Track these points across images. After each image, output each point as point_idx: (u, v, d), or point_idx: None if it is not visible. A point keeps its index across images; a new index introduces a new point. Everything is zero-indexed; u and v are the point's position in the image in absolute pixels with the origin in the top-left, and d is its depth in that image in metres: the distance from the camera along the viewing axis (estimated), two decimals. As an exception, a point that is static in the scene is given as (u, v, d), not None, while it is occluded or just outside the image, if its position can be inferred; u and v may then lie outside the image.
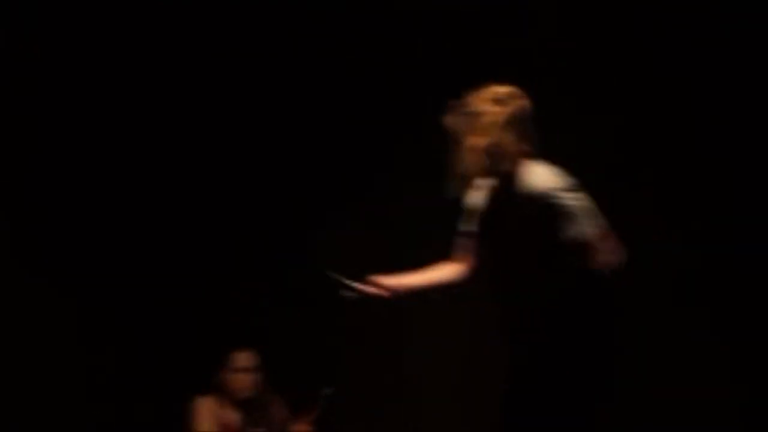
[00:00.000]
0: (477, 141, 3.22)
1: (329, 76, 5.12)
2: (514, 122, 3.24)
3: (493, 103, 3.24)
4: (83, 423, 4.86)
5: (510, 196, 3.25)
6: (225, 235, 5.20)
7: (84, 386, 4.90)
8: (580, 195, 3.18)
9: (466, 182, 3.29)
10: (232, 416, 4.84)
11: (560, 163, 3.34)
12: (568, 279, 3.21)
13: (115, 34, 5.01)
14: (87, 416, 4.88)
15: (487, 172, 3.25)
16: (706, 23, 4.74)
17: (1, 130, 4.89)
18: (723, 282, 4.72)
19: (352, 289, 3.49)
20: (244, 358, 4.86)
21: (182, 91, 5.12)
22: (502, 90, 3.26)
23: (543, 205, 3.17)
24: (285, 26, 5.13)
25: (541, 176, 3.22)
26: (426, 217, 4.63)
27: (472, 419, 4.55)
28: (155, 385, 4.99)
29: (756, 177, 4.74)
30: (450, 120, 3.28)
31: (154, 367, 5.03)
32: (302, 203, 5.16)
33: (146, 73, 5.09)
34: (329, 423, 4.81)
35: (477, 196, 3.33)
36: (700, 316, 4.72)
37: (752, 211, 4.72)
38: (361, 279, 3.43)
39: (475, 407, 4.47)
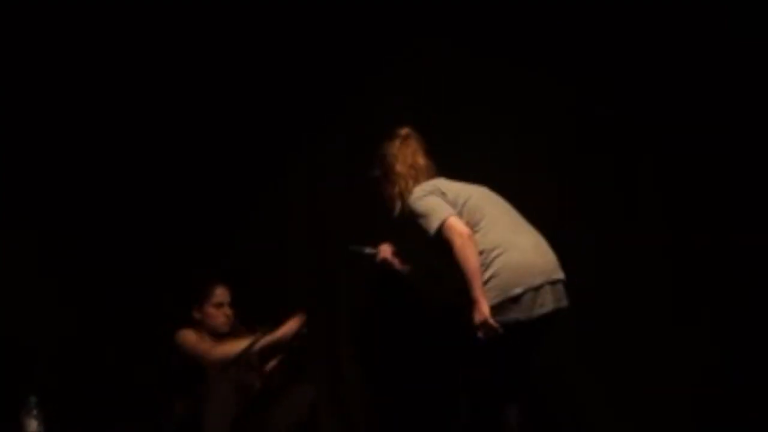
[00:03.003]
0: (400, 167, 4.26)
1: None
2: (418, 147, 4.31)
3: (401, 141, 4.31)
4: (58, 362, 4.87)
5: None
6: (198, 172, 5.22)
7: (57, 324, 4.90)
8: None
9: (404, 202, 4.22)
10: (212, 349, 4.88)
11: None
12: None
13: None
14: (64, 355, 4.89)
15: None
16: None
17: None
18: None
19: (362, 253, 4.50)
20: (222, 293, 4.89)
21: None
22: (403, 131, 4.33)
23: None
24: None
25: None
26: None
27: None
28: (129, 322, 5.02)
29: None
30: (373, 172, 4.31)
31: (126, 305, 5.04)
32: (273, 147, 5.21)
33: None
34: (297, 364, 4.91)
35: None
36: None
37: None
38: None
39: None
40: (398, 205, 4.26)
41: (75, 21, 5.03)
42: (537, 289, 4.00)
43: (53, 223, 4.98)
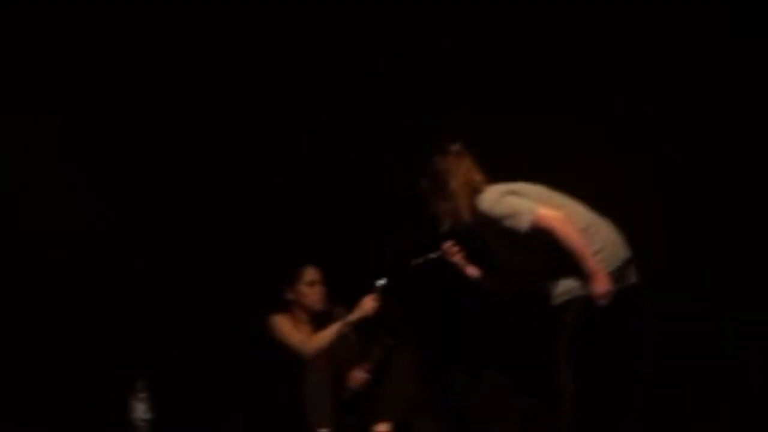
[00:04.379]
0: (455, 183, 4.26)
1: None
2: (472, 163, 4.30)
3: (454, 156, 4.30)
4: (155, 344, 5.04)
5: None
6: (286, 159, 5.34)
7: (153, 307, 5.11)
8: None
9: (457, 217, 4.27)
10: (308, 331, 4.95)
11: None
12: None
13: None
14: (156, 338, 5.06)
15: (471, 204, 4.24)
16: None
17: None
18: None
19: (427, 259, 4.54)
20: (312, 272, 4.99)
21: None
22: (455, 146, 4.32)
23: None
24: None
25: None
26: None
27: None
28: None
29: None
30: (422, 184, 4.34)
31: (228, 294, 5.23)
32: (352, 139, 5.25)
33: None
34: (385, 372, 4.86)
35: None
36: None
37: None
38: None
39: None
40: (448, 221, 4.31)
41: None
42: (627, 262, 4.16)
43: (161, 221, 5.19)
